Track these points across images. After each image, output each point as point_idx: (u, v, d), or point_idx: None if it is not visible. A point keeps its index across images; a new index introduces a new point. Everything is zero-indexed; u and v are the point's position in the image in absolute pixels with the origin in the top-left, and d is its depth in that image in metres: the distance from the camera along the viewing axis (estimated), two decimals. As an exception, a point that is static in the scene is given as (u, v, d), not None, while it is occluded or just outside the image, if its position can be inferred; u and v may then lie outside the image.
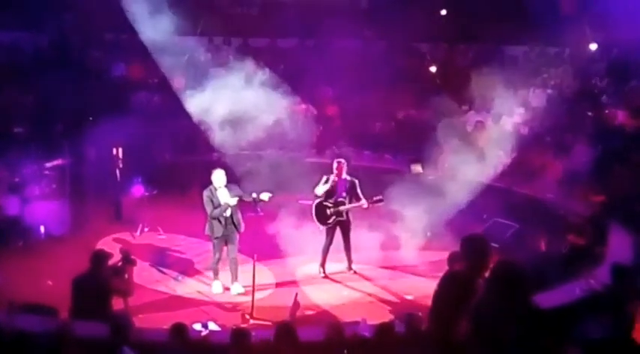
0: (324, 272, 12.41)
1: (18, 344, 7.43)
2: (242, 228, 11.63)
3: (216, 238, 11.56)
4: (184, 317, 9.80)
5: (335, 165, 12.44)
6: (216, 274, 11.75)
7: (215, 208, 11.45)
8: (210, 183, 11.65)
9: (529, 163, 15.19)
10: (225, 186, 11.60)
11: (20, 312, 8.56)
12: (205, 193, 11.56)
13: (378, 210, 12.72)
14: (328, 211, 12.29)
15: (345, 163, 12.48)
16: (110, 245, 12.14)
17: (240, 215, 11.60)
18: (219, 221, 11.48)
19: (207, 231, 11.68)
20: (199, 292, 11.66)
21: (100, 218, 14.25)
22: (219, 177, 11.61)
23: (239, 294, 11.43)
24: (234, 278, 11.59)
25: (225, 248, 11.67)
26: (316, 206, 12.45)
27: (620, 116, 15.45)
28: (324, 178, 12.45)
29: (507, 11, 20.83)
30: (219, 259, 11.68)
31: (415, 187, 14.25)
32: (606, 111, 15.83)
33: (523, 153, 15.47)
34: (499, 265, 6.39)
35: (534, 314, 6.29)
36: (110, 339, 7.57)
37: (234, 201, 11.44)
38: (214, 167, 11.95)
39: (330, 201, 12.32)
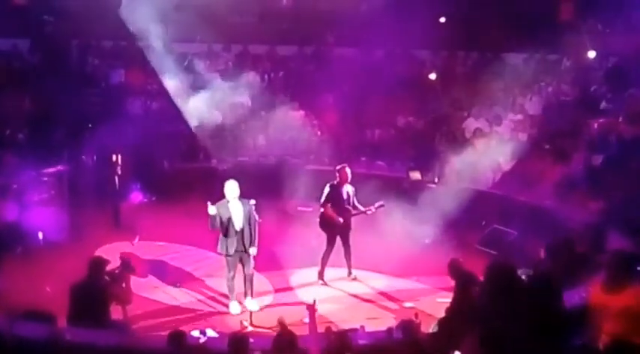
0: (322, 280, 12.37)
1: (16, 351, 7.42)
2: (254, 251, 11.06)
3: (229, 255, 11.03)
4: (182, 324, 9.81)
5: (338, 172, 12.39)
6: (231, 292, 11.17)
7: (222, 222, 10.87)
8: (223, 196, 11.04)
9: (528, 170, 15.19)
10: (239, 199, 11.00)
11: (18, 318, 8.54)
12: (216, 205, 10.91)
13: (376, 217, 12.71)
14: (335, 219, 12.22)
15: (349, 169, 12.45)
16: (108, 252, 12.09)
17: (253, 234, 11.02)
18: (229, 237, 10.94)
19: (219, 249, 11.13)
20: (197, 299, 11.62)
21: (98, 225, 14.23)
22: (231, 188, 10.98)
23: (255, 311, 10.98)
24: (250, 294, 11.17)
25: (239, 265, 11.14)
26: (322, 215, 12.38)
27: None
28: (328, 186, 12.39)
29: (507, 19, 20.88)
30: (233, 276, 11.11)
31: (414, 194, 14.29)
32: (600, 120, 15.84)
33: (522, 160, 15.49)
34: (492, 267, 6.43)
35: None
36: None
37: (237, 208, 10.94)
38: (226, 178, 11.32)
39: (336, 209, 12.26)
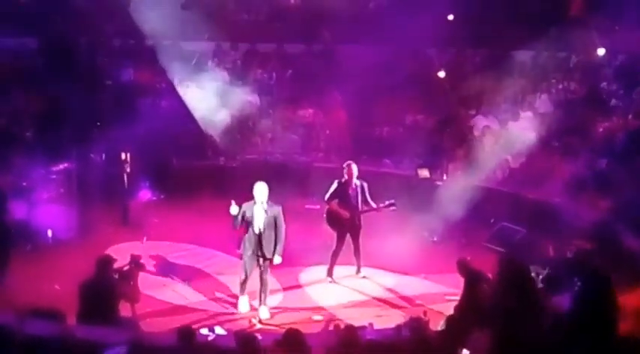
0: (331, 278, 12.35)
1: (26, 348, 7.44)
2: (278, 259, 10.84)
3: (247, 255, 10.83)
4: (191, 322, 9.81)
5: (345, 168, 12.36)
6: (242, 290, 11.06)
7: (245, 222, 10.69)
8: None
9: (536, 168, 15.17)
10: (267, 202, 10.73)
11: (27, 316, 8.56)
12: (243, 205, 10.73)
13: (386, 214, 12.68)
14: (341, 214, 12.18)
15: (356, 166, 12.42)
16: (117, 250, 12.11)
17: (276, 241, 10.74)
18: (248, 239, 10.75)
19: (240, 248, 10.96)
20: (206, 297, 11.62)
21: (107, 223, 14.24)
22: (260, 190, 10.71)
23: (266, 319, 10.88)
24: (262, 301, 10.95)
25: (256, 267, 10.91)
26: (328, 211, 12.35)
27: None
28: (335, 182, 12.35)
29: (515, 16, 20.83)
30: (245, 279, 10.96)
31: (422, 191, 14.27)
32: (605, 124, 15.87)
33: (530, 158, 15.47)
34: (504, 266, 6.42)
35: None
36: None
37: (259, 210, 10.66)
38: (256, 179, 11.00)
39: (343, 206, 12.23)
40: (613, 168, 14.21)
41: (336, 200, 12.22)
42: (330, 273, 12.35)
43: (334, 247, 12.27)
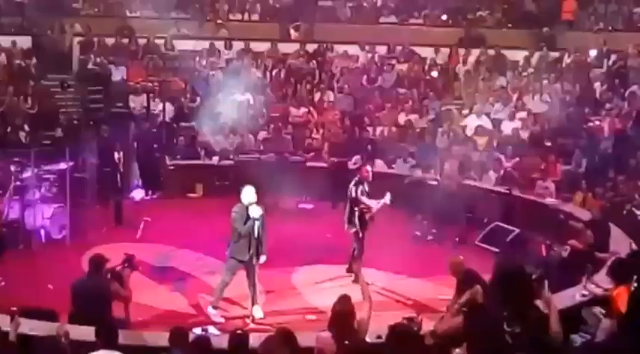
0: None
1: (18, 348, 7.43)
2: (264, 258, 10.76)
3: (239, 261, 10.57)
4: (184, 322, 9.79)
5: (363, 170, 12.22)
6: (217, 297, 10.75)
7: (243, 226, 10.38)
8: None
9: (529, 168, 15.23)
10: (256, 205, 10.50)
11: (20, 316, 8.54)
12: (234, 210, 10.49)
13: (378, 214, 12.65)
14: (363, 216, 12.12)
15: (370, 167, 12.32)
16: (110, 250, 12.07)
17: (263, 241, 10.61)
18: (246, 243, 10.46)
19: (229, 252, 10.65)
20: (199, 297, 11.60)
21: (100, 222, 14.21)
22: (250, 194, 10.47)
23: (260, 319, 10.69)
24: (255, 301, 10.76)
25: (240, 272, 10.70)
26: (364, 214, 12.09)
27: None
28: (360, 188, 12.04)
29: (509, 16, 20.92)
30: (227, 284, 10.69)
31: (416, 191, 14.29)
32: (593, 123, 15.95)
33: (523, 157, 15.52)
34: (500, 267, 6.42)
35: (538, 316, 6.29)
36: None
37: (259, 212, 10.43)
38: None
39: (358, 206, 12.05)
40: (605, 167, 14.28)
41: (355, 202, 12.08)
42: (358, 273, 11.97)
43: (360, 248, 12.09)
